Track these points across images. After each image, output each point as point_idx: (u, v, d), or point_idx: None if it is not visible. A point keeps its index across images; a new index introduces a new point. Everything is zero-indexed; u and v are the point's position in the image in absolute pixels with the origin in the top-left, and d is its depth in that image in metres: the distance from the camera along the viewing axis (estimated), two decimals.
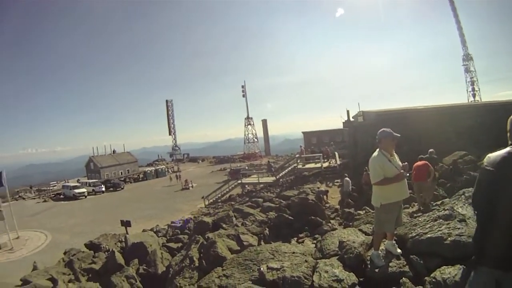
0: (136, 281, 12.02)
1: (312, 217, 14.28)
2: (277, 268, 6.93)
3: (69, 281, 15.75)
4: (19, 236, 33.77)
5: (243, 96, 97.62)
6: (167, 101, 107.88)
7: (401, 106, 36.70)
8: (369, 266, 6.32)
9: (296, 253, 7.88)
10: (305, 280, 6.28)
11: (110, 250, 17.35)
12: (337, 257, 6.98)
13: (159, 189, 59.43)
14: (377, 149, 6.12)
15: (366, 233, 8.29)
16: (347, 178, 22.58)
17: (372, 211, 10.55)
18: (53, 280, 15.23)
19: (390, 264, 6.05)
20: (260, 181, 39.38)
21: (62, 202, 57.18)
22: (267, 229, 14.45)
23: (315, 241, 10.59)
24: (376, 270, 6.07)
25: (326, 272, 6.19)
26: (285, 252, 8.05)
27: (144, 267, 13.65)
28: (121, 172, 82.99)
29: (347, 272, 6.13)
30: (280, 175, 37.88)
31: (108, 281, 12.14)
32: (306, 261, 7.09)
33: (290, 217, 14.94)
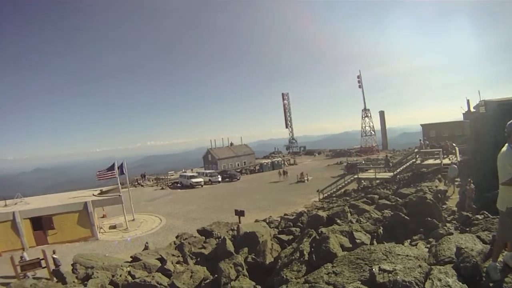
0: (243, 269, 12.22)
1: (429, 219, 13.55)
2: (389, 270, 6.69)
3: (177, 263, 16.64)
4: (135, 218, 37.35)
5: (359, 86, 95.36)
6: (283, 94, 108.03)
7: None
8: (483, 279, 5.81)
9: (409, 256, 7.57)
10: (416, 287, 5.98)
11: (222, 237, 17.90)
12: (452, 264, 6.53)
13: (274, 181, 60.42)
14: (506, 144, 5.59)
15: (484, 241, 7.67)
16: (453, 165, 21.81)
17: (492, 217, 9.79)
18: (162, 260, 16.21)
19: (506, 279, 5.49)
20: (376, 177, 38.30)
21: (179, 190, 61.12)
22: (381, 228, 13.97)
23: (428, 245, 10.05)
24: (491, 284, 5.54)
25: (439, 280, 5.80)
26: (399, 254, 7.76)
27: (253, 256, 13.89)
28: (238, 164, 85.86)
29: (460, 283, 5.65)
30: (398, 171, 36.53)
31: (216, 266, 12.49)
32: (420, 266, 6.75)
33: (406, 217, 14.30)
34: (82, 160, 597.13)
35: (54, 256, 22.82)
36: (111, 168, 35.31)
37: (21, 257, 22.73)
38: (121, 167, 36.08)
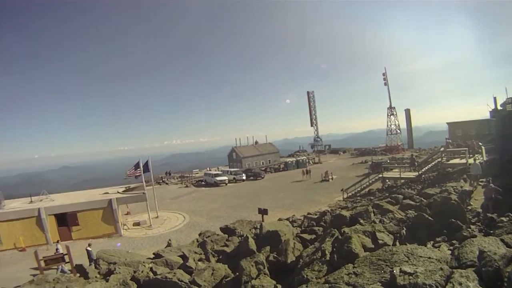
0: (264, 268, 12.20)
1: (453, 220, 13.30)
2: (410, 272, 6.62)
3: (199, 260, 16.80)
4: (159, 215, 38.03)
5: (385, 84, 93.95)
6: (308, 92, 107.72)
7: None
8: (505, 284, 5.68)
9: (431, 259, 7.47)
10: None
11: (244, 235, 17.94)
12: (473, 268, 6.43)
13: (298, 180, 60.04)
14: None
15: (507, 245, 7.52)
16: (476, 162, 21.63)
17: None
18: (184, 257, 16.34)
19: None
20: (401, 176, 37.78)
21: (203, 188, 61.56)
22: (404, 228, 13.79)
23: (451, 247, 9.88)
24: None
25: (460, 284, 5.71)
26: (421, 256, 7.69)
27: (275, 255, 13.88)
28: (262, 162, 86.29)
29: None
30: (423, 170, 36.01)
31: (237, 264, 12.55)
32: (441, 269, 6.64)
33: (429, 218, 14.06)
34: (108, 158, 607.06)
35: (89, 248, 23.55)
36: (137, 166, 35.88)
37: (56, 249, 23.31)
38: (146, 165, 36.62)
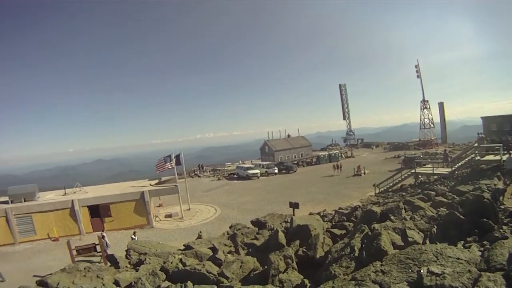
0: (293, 262, 12.22)
1: (485, 220, 13.00)
2: (437, 273, 6.55)
3: (229, 252, 17.02)
4: (190, 208, 38.85)
5: (418, 76, 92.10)
6: (340, 85, 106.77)
7: None
8: None
9: (460, 260, 7.37)
10: None
11: (274, 229, 18.03)
12: (502, 272, 6.32)
13: (330, 175, 59.67)
14: None
15: None
16: (511, 157, 21.27)
17: None
18: (214, 249, 16.58)
19: None
20: (434, 172, 37.20)
21: (235, 181, 62.07)
22: (435, 226, 13.57)
23: (482, 248, 9.70)
24: None
25: None
26: (450, 257, 7.57)
27: (304, 250, 13.94)
28: (295, 156, 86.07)
29: None
30: (456, 166, 35.34)
31: (266, 258, 12.57)
32: (469, 271, 6.54)
33: (461, 217, 13.78)
34: (143, 151, 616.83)
35: (133, 236, 25.11)
36: (168, 158, 36.45)
37: (103, 237, 24.16)
38: (178, 158, 37.17)
